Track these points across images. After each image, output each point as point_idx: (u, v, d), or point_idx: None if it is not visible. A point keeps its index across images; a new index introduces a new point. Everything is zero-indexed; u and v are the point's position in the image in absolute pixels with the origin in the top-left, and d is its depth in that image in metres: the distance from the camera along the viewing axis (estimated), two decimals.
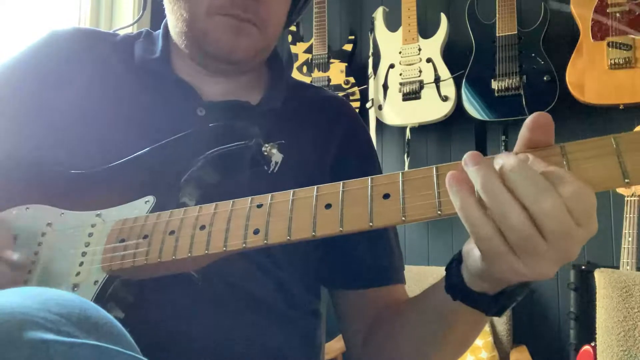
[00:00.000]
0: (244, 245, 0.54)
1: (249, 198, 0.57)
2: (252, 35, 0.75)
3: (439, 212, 0.49)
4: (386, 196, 0.51)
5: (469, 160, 0.48)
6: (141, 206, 0.64)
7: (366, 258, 0.80)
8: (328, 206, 0.53)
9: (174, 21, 0.78)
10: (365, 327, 0.80)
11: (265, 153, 0.66)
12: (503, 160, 0.47)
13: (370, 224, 0.51)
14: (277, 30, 0.80)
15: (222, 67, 0.79)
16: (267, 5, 0.75)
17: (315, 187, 0.55)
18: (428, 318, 0.66)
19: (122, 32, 0.89)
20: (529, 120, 0.50)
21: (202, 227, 0.57)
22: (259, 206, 0.56)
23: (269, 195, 0.56)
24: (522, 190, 0.45)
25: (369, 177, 0.53)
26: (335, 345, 1.94)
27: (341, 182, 0.54)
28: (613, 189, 0.45)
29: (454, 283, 0.57)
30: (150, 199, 0.64)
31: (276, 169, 0.67)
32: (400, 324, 0.73)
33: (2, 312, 0.36)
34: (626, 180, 0.44)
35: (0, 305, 0.36)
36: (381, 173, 0.88)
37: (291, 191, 0.55)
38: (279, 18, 0.79)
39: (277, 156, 0.66)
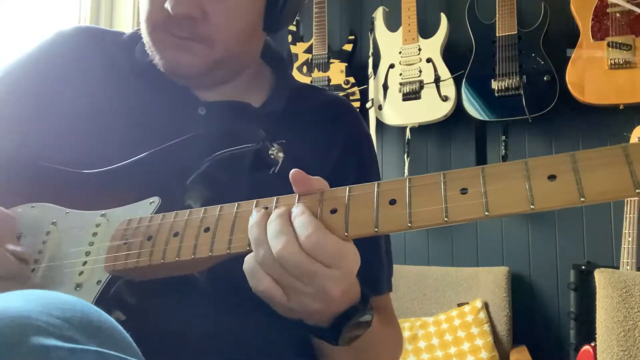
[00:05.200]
0: (247, 248, 0.54)
1: (254, 201, 0.57)
2: (196, 52, 0.72)
3: (445, 219, 0.48)
4: (392, 202, 0.51)
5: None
6: (146, 207, 0.64)
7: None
8: (334, 211, 0.53)
9: None
10: None
11: (272, 156, 0.65)
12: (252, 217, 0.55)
13: (376, 229, 0.50)
14: (234, 42, 0.75)
15: (191, 82, 0.78)
16: (209, 22, 0.71)
17: (320, 191, 0.55)
18: None
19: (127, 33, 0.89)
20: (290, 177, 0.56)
21: (207, 229, 0.57)
22: (265, 209, 0.56)
23: (274, 198, 0.56)
24: (269, 235, 0.52)
25: (376, 183, 0.53)
26: None
27: (347, 187, 0.54)
28: (623, 198, 0.45)
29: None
30: (156, 199, 0.64)
31: (277, 169, 0.67)
32: None
33: (4, 316, 0.36)
34: (637, 191, 0.43)
35: (1, 309, 0.36)
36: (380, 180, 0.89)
37: (296, 195, 0.55)
38: (233, 30, 0.74)
39: (281, 158, 0.67)
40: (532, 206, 0.46)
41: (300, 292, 0.53)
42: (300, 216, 0.52)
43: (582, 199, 0.44)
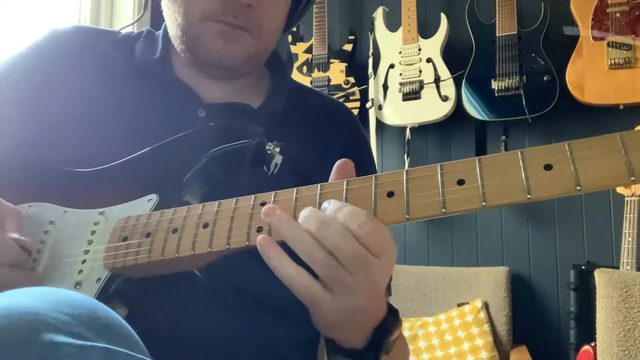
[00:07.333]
0: (247, 243, 0.54)
1: (252, 196, 0.57)
2: (243, 42, 0.75)
3: (443, 210, 0.49)
4: (390, 194, 0.51)
5: (266, 212, 0.53)
6: (144, 204, 0.64)
7: None
8: None
9: (170, 24, 0.79)
10: None
11: (269, 151, 0.66)
12: (303, 211, 0.52)
13: None
14: (272, 36, 0.80)
15: (216, 72, 0.80)
16: (261, 12, 0.74)
17: (319, 185, 0.55)
18: None
19: (123, 32, 0.89)
20: (337, 164, 0.56)
21: (205, 225, 0.57)
22: (263, 204, 0.56)
23: (272, 193, 0.56)
24: (316, 231, 0.50)
25: (373, 175, 0.53)
26: None
27: (345, 180, 0.54)
28: (619, 186, 0.45)
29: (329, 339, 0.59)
30: (154, 197, 0.64)
31: (276, 170, 0.67)
32: None
33: (14, 313, 0.36)
34: (632, 178, 0.44)
35: (11, 306, 0.36)
36: None
37: (294, 189, 0.55)
38: (275, 24, 0.79)
39: (278, 157, 0.67)
40: (528, 195, 0.46)
41: (348, 286, 0.51)
42: (345, 208, 0.51)
43: (578, 187, 0.45)
